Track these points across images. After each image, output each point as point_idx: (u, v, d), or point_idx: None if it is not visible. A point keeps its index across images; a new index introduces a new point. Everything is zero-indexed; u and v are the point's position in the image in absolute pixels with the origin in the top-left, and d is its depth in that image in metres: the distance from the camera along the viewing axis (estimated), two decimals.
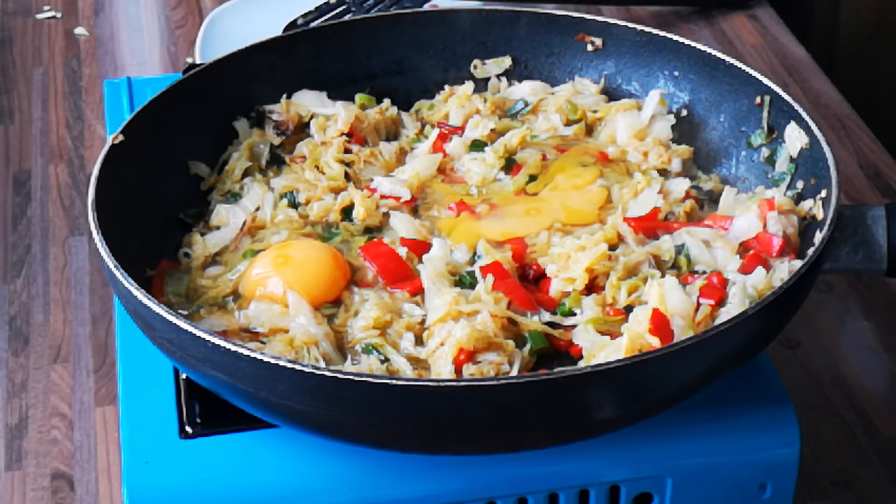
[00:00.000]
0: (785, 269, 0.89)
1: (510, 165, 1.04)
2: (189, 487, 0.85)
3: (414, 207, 1.01)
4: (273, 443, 0.87)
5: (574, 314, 0.90)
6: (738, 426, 0.89)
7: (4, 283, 1.28)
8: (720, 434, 0.89)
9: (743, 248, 0.93)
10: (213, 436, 0.88)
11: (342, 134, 1.05)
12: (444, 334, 0.86)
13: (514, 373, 0.85)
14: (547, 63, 1.12)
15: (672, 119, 1.06)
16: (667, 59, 1.08)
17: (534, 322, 0.89)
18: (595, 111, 1.09)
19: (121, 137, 0.95)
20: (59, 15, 1.73)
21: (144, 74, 1.49)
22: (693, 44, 1.06)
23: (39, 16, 1.73)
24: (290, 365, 0.76)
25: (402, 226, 0.98)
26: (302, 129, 1.08)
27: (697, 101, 1.07)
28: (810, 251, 0.86)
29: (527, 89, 1.11)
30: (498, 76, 1.13)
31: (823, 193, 0.93)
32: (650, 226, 0.96)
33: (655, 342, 0.84)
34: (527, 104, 1.10)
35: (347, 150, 1.05)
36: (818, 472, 1.03)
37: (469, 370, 0.84)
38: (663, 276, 0.90)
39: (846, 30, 1.94)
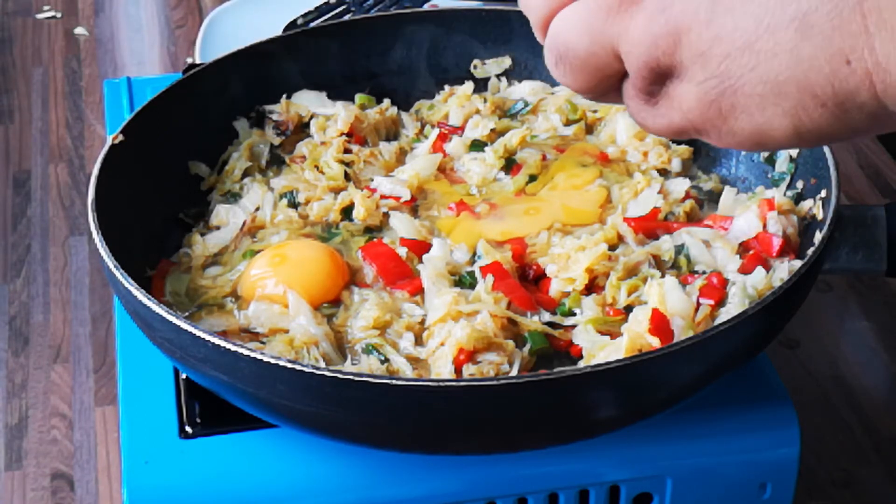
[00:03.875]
0: (785, 269, 0.89)
1: (510, 165, 1.04)
2: (189, 487, 0.85)
3: (414, 207, 1.01)
4: (273, 443, 0.87)
5: (574, 314, 0.90)
6: (738, 426, 0.89)
7: (4, 283, 1.28)
8: (720, 434, 0.89)
9: (743, 248, 0.93)
10: (213, 436, 0.88)
11: (342, 134, 1.05)
12: (444, 334, 0.86)
13: (514, 373, 0.85)
14: None
15: None
16: None
17: (534, 322, 0.89)
18: (595, 111, 1.08)
19: (121, 137, 0.95)
20: (59, 15, 1.73)
21: (144, 74, 1.50)
22: None
23: (39, 16, 1.73)
24: (290, 365, 0.76)
25: (402, 226, 0.98)
26: (302, 129, 1.08)
27: None
28: (810, 251, 0.86)
29: (527, 89, 1.11)
30: (498, 76, 1.13)
31: (823, 193, 0.93)
32: (650, 226, 0.96)
33: (655, 342, 0.84)
34: (527, 104, 1.10)
35: (347, 150, 1.05)
36: (818, 472, 1.03)
37: (469, 370, 0.84)
38: (663, 276, 0.90)
39: None
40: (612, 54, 0.57)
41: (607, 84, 0.59)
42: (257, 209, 1.01)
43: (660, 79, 0.56)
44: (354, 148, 1.05)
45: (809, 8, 0.51)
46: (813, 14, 0.51)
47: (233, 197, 1.02)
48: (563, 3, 0.59)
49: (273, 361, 0.76)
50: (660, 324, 0.85)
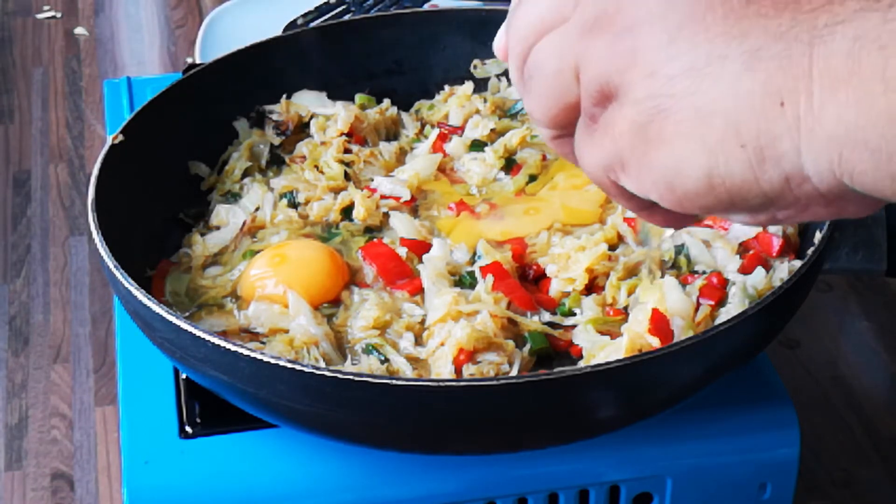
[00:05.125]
0: (785, 269, 0.89)
1: (510, 165, 1.04)
2: (189, 487, 0.85)
3: (414, 207, 1.01)
4: (273, 443, 0.87)
5: (574, 314, 0.90)
6: (738, 426, 0.89)
7: (4, 283, 1.28)
8: (720, 434, 0.89)
9: (743, 248, 0.93)
10: (213, 436, 0.88)
11: (342, 134, 1.05)
12: (444, 334, 0.86)
13: (514, 373, 0.85)
14: None
15: None
16: None
17: (534, 322, 0.89)
18: None
19: (121, 137, 0.95)
20: (59, 15, 1.73)
21: (144, 74, 1.50)
22: None
23: (39, 16, 1.73)
24: (290, 365, 0.76)
25: (402, 226, 0.98)
26: (302, 129, 1.08)
27: None
28: (810, 251, 0.86)
29: None
30: (498, 76, 1.13)
31: None
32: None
33: (655, 342, 0.84)
34: None
35: (347, 150, 1.05)
36: (818, 472, 1.03)
37: (469, 370, 0.84)
38: (663, 276, 0.90)
39: None
40: (573, 74, 0.58)
41: (564, 116, 0.59)
42: (257, 209, 1.01)
43: (604, 100, 0.56)
44: (354, 148, 1.05)
45: (763, 45, 0.51)
46: (764, 50, 0.51)
47: (233, 197, 1.02)
48: (548, 29, 0.59)
49: (273, 361, 0.76)
50: (660, 324, 0.85)
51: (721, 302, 0.88)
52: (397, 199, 1.00)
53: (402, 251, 0.94)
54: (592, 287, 0.91)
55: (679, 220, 0.63)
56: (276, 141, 1.07)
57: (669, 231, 0.94)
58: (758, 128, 0.52)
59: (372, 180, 1.03)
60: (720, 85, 0.52)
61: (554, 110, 0.59)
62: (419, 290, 0.91)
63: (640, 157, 0.55)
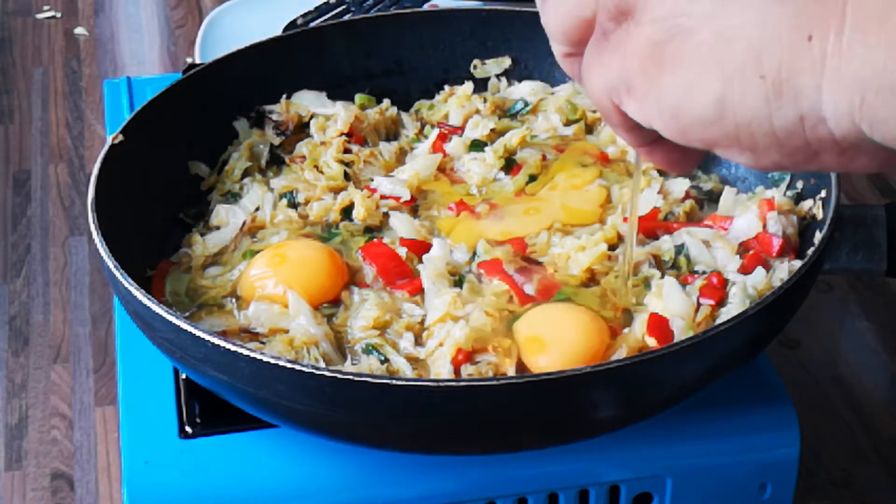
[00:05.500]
0: (785, 269, 0.89)
1: (510, 165, 1.04)
2: (189, 487, 0.85)
3: (414, 207, 1.01)
4: (273, 443, 0.87)
5: None
6: (738, 426, 0.89)
7: (4, 283, 1.28)
8: (720, 434, 0.89)
9: (743, 248, 0.93)
10: (213, 436, 0.88)
11: (342, 134, 1.05)
12: (443, 334, 0.86)
13: (513, 373, 0.85)
14: (547, 63, 1.12)
15: None
16: None
17: None
18: (595, 111, 1.08)
19: (121, 137, 0.95)
20: (59, 15, 1.73)
21: (144, 74, 1.50)
22: None
23: (39, 16, 1.73)
24: (290, 365, 0.76)
25: (402, 226, 0.98)
26: (302, 129, 1.08)
27: None
28: (810, 251, 0.86)
29: (527, 89, 1.11)
30: (498, 76, 1.13)
31: (823, 193, 0.93)
32: (650, 226, 0.96)
33: (654, 343, 0.84)
34: (527, 104, 1.10)
35: (347, 150, 1.05)
36: (818, 472, 1.03)
37: (467, 370, 0.84)
38: (663, 276, 0.90)
39: None
40: None
41: (578, 31, 0.58)
42: (257, 209, 1.01)
43: (621, 16, 0.55)
44: (354, 148, 1.05)
45: None
46: None
47: (233, 197, 1.02)
48: None
49: (273, 361, 0.76)
50: (659, 325, 0.85)
51: (721, 302, 0.88)
52: (397, 199, 1.00)
53: (402, 251, 0.94)
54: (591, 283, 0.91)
55: (679, 161, 0.61)
56: (276, 141, 1.07)
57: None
58: (780, 59, 0.50)
59: (372, 180, 1.03)
60: (747, 12, 0.51)
61: (569, 22, 0.58)
62: (419, 290, 0.91)
63: (649, 78, 0.54)
